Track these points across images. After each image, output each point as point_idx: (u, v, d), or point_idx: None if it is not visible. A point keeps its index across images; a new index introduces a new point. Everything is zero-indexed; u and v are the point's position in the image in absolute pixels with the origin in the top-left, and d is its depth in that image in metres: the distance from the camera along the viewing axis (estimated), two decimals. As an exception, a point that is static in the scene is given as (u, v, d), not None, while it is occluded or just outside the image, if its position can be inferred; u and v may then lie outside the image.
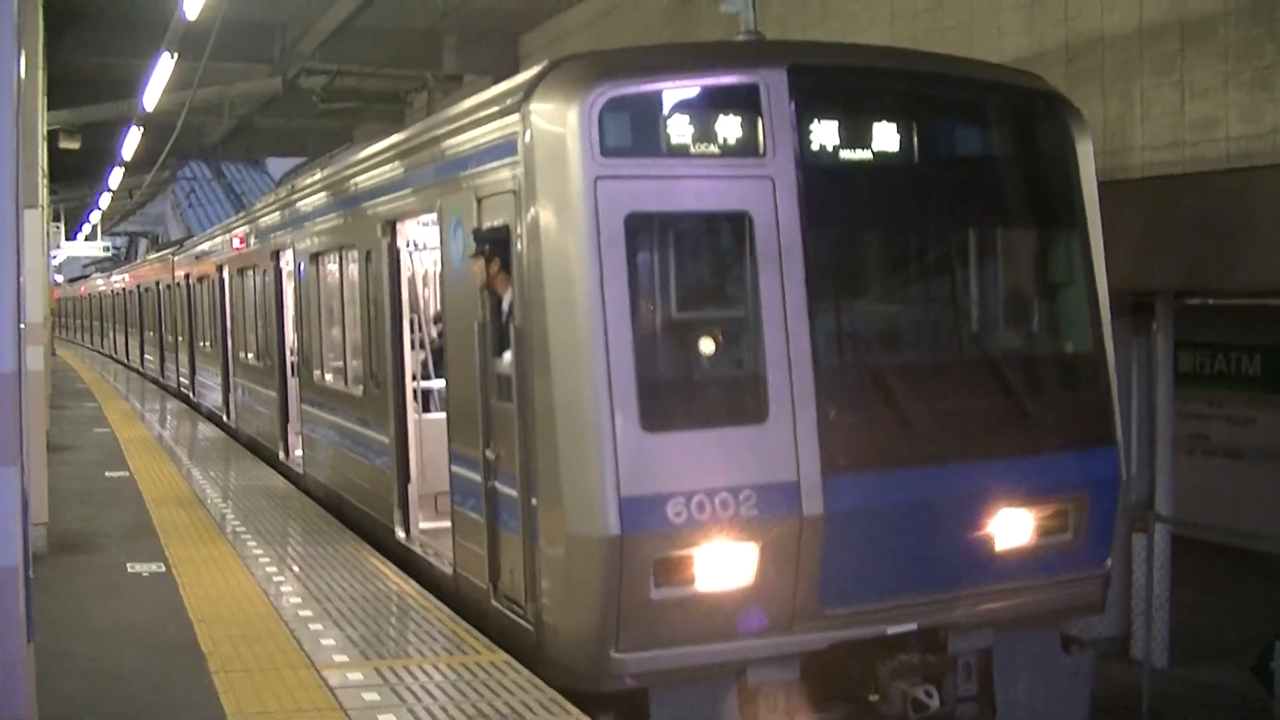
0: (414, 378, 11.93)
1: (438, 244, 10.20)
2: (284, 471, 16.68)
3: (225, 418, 22.34)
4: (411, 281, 12.64)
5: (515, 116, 8.39)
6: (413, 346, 11.96)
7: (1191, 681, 14.09)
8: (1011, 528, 8.76)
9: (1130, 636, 14.48)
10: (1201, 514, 16.45)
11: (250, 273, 19.42)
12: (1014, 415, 8.94)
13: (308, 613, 9.48)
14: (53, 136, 26.47)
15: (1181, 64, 12.81)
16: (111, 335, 50.19)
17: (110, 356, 48.85)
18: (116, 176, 40.19)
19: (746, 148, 8.19)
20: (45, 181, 18.83)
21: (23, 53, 4.75)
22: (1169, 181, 12.80)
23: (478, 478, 9.16)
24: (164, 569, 10.95)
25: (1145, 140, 13.15)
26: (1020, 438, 8.86)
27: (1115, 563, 9.50)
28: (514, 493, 8.54)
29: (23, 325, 4.40)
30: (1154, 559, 14.08)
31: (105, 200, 49.76)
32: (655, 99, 8.14)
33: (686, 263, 8.56)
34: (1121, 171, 13.05)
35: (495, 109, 8.82)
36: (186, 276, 27.17)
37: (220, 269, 22.38)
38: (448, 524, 10.16)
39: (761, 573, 8.00)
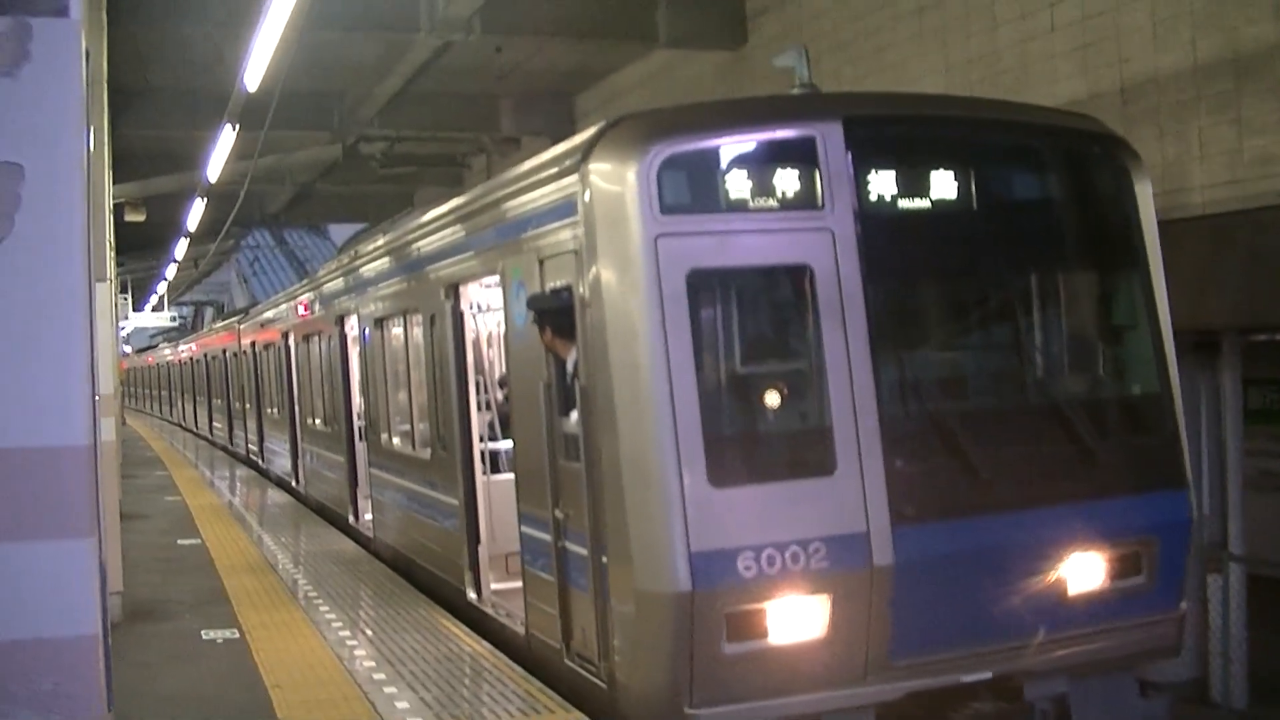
0: (481, 439, 11.99)
1: (501, 306, 10.28)
2: (353, 535, 16.77)
3: (294, 483, 22.50)
4: (476, 344, 12.72)
5: (574, 177, 8.47)
6: (479, 408, 12.03)
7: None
8: (1083, 573, 8.68)
9: (1208, 678, 14.29)
10: (1274, 552, 16.23)
11: (315, 339, 19.60)
12: (1082, 460, 8.86)
13: (381, 676, 9.53)
14: (119, 209, 26.87)
15: (1238, 101, 12.75)
16: (179, 404, 50.66)
17: (179, 425, 49.28)
18: (182, 247, 40.69)
19: (804, 201, 8.21)
20: (112, 254, 19.10)
21: (91, 129, 4.84)
22: (1227, 218, 12.72)
23: (547, 537, 9.20)
24: (237, 635, 11.04)
25: (1204, 179, 13.08)
26: (1089, 483, 8.79)
27: (1190, 605, 9.41)
28: (584, 551, 8.56)
29: (96, 398, 4.47)
30: (1229, 599, 13.91)
31: (171, 271, 50.39)
32: (712, 155, 8.18)
33: (749, 317, 8.61)
34: (1181, 211, 12.96)
35: (554, 170, 8.90)
36: (252, 344, 27.45)
37: (285, 336, 22.59)
38: (518, 584, 10.20)
39: (833, 624, 7.98)
